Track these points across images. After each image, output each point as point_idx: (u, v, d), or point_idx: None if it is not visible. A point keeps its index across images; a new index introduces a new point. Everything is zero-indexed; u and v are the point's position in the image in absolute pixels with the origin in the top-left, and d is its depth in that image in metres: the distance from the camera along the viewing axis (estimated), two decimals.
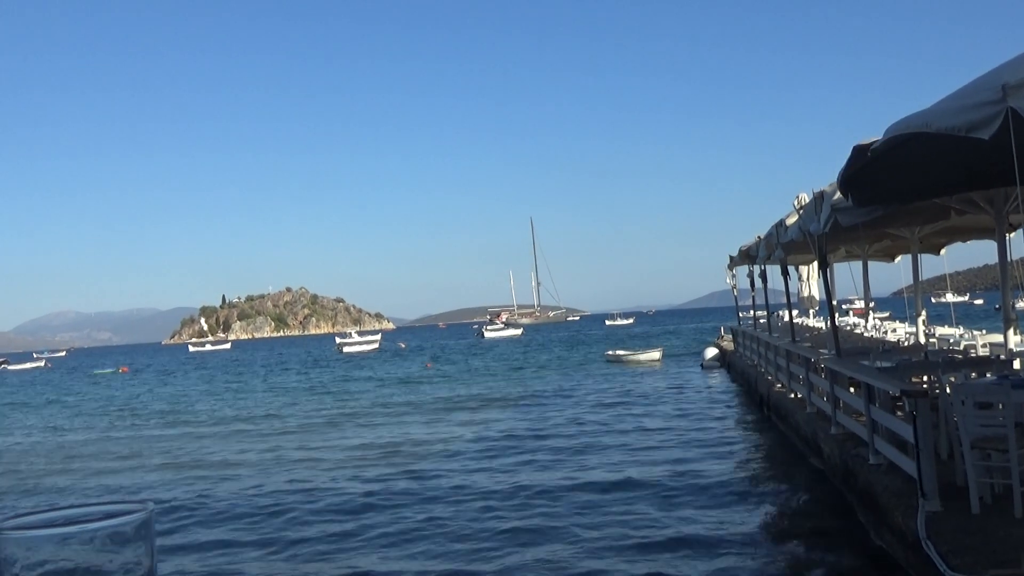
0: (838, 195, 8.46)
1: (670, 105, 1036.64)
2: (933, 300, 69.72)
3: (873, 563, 7.72)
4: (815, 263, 17.37)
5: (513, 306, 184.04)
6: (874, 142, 6.12)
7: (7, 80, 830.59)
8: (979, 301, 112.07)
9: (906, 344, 15.65)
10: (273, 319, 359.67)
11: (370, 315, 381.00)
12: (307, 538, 10.39)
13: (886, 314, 38.10)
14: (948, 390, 8.06)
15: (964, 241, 14.75)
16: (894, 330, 20.72)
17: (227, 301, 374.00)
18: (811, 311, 30.80)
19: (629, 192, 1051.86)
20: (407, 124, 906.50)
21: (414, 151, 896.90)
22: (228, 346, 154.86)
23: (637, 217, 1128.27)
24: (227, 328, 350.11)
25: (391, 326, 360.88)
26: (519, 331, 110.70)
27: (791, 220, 12.07)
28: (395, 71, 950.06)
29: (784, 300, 18.25)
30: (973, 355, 12.83)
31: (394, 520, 10.96)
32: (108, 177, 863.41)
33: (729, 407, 20.98)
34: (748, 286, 22.90)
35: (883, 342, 16.40)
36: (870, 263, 19.19)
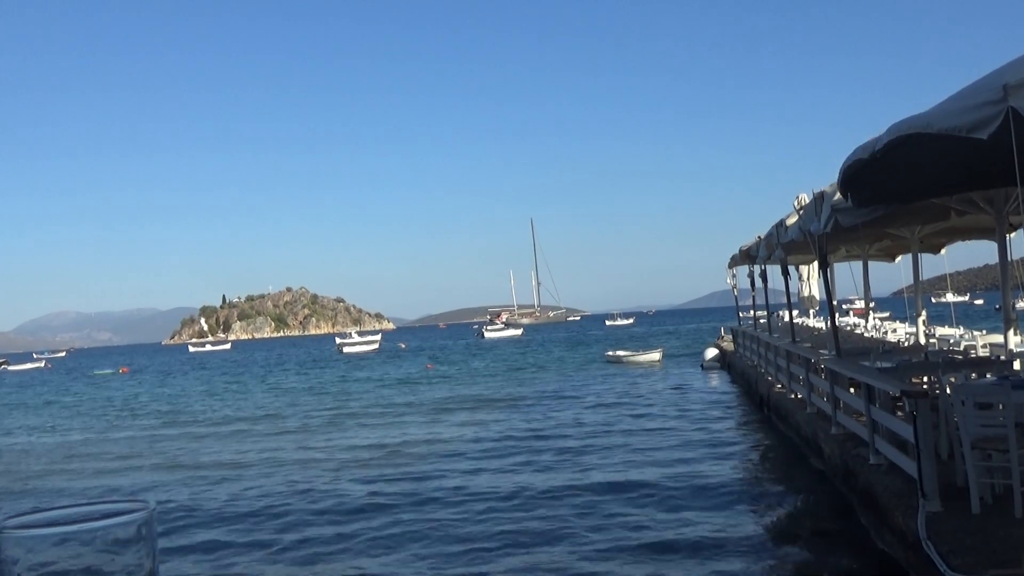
0: (838, 195, 8.46)
1: (670, 105, 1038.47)
2: (933, 300, 69.70)
3: (874, 564, 7.71)
4: (815, 263, 17.37)
5: (513, 306, 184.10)
6: (876, 140, 6.11)
7: (7, 80, 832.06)
8: (979, 301, 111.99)
9: (906, 344, 15.65)
10: (273, 319, 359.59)
11: (370, 315, 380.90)
12: (307, 539, 10.39)
13: (886, 314, 38.04)
14: (948, 390, 8.05)
15: (965, 240, 14.75)
16: (894, 330, 20.70)
17: (227, 301, 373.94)
18: (811, 311, 30.80)
19: (629, 192, 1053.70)
20: (407, 124, 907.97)
21: (414, 151, 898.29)
22: (228, 346, 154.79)
23: (637, 217, 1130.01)
24: (227, 328, 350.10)
25: (391, 326, 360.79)
26: (519, 331, 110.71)
27: (791, 220, 12.07)
28: (395, 71, 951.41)
29: (784, 300, 18.25)
30: (973, 355, 12.83)
31: (394, 522, 10.95)
32: (108, 177, 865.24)
33: (729, 408, 20.97)
34: (748, 286, 22.90)
35: (883, 342, 16.40)
36: (870, 263, 19.19)
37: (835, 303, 14.68)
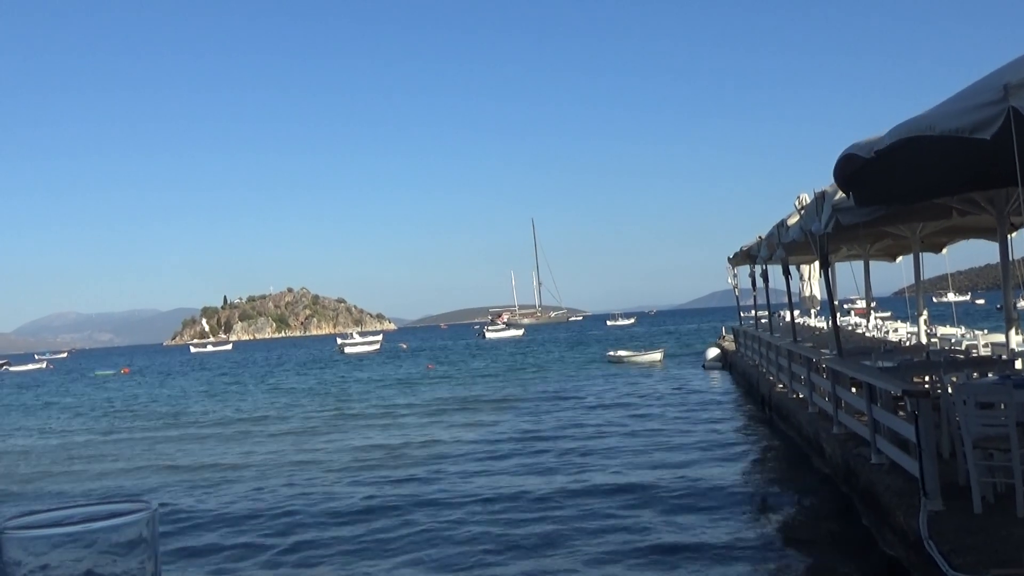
0: (839, 195, 8.46)
1: (670, 105, 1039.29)
2: (935, 300, 69.73)
3: (875, 563, 7.71)
4: (816, 263, 17.35)
5: (514, 306, 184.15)
6: (878, 141, 6.10)
7: (7, 80, 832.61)
8: (981, 301, 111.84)
9: (908, 344, 15.64)
10: (274, 320, 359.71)
11: (371, 315, 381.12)
12: (308, 541, 10.38)
13: (888, 314, 37.98)
14: (950, 390, 8.06)
15: (966, 239, 14.74)
16: (896, 330, 20.69)
17: (228, 302, 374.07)
18: (812, 311, 30.79)
19: (629, 192, 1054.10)
20: (407, 124, 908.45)
21: (414, 151, 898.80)
22: (229, 347, 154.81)
23: (638, 217, 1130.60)
24: (228, 329, 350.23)
25: (392, 326, 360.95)
26: (520, 331, 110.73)
27: (792, 220, 12.06)
28: (395, 71, 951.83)
29: (785, 300, 18.23)
30: (975, 355, 12.83)
31: (395, 524, 10.94)
32: (108, 177, 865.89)
33: (730, 408, 20.97)
34: (749, 286, 22.90)
35: (885, 342, 16.39)
36: (871, 263, 19.17)
37: (836, 303, 14.67)
